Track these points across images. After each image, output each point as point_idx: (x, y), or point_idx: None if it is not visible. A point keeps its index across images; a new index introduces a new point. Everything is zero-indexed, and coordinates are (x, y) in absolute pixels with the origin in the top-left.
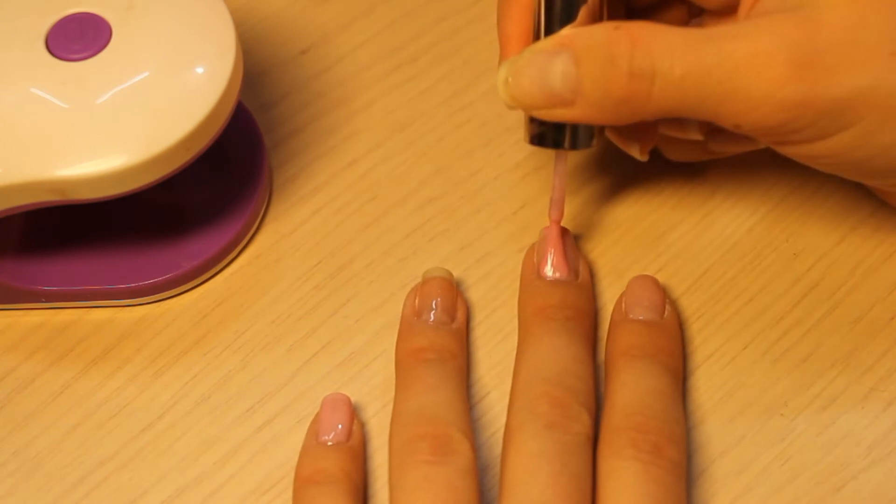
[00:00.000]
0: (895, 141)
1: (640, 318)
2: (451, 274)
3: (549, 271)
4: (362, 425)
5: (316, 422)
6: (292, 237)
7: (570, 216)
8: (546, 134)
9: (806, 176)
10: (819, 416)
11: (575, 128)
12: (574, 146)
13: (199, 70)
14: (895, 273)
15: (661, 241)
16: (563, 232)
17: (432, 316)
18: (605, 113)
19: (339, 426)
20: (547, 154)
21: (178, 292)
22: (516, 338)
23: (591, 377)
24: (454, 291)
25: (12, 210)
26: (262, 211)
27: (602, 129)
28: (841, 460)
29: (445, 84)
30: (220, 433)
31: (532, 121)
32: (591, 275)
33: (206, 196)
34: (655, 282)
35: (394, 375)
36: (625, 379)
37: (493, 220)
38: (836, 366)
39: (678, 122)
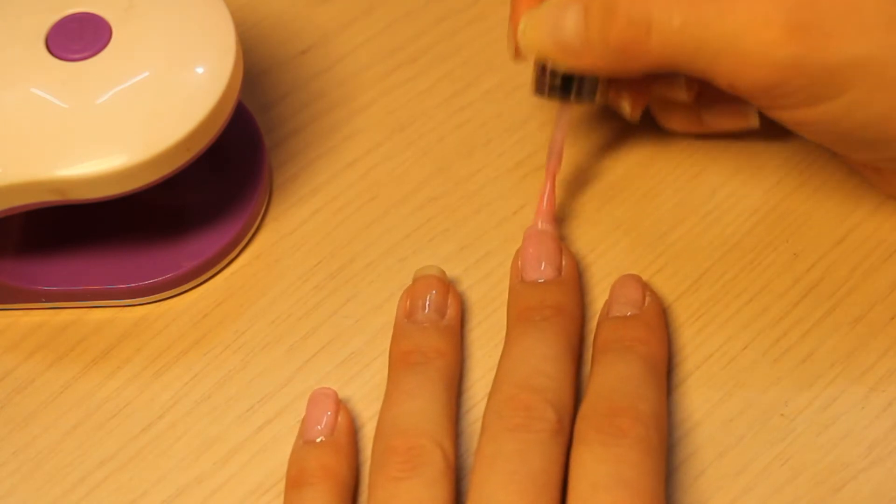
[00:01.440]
0: (883, 112)
1: (619, 314)
2: (441, 271)
3: (529, 274)
4: (349, 417)
5: (302, 421)
6: (292, 237)
7: (570, 216)
8: (553, 85)
9: (806, 176)
10: (819, 416)
11: (581, 81)
12: (579, 98)
13: (199, 70)
14: (895, 273)
15: (661, 241)
16: (545, 232)
17: (422, 316)
18: (606, 61)
19: (324, 419)
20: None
21: (178, 292)
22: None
23: (565, 373)
24: (444, 288)
25: (12, 210)
26: (262, 211)
27: (606, 85)
28: (841, 460)
29: (445, 84)
30: (220, 433)
31: (541, 73)
32: (580, 271)
33: (206, 196)
34: (636, 278)
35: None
36: (597, 370)
37: (493, 220)
38: (836, 366)
39: (668, 79)
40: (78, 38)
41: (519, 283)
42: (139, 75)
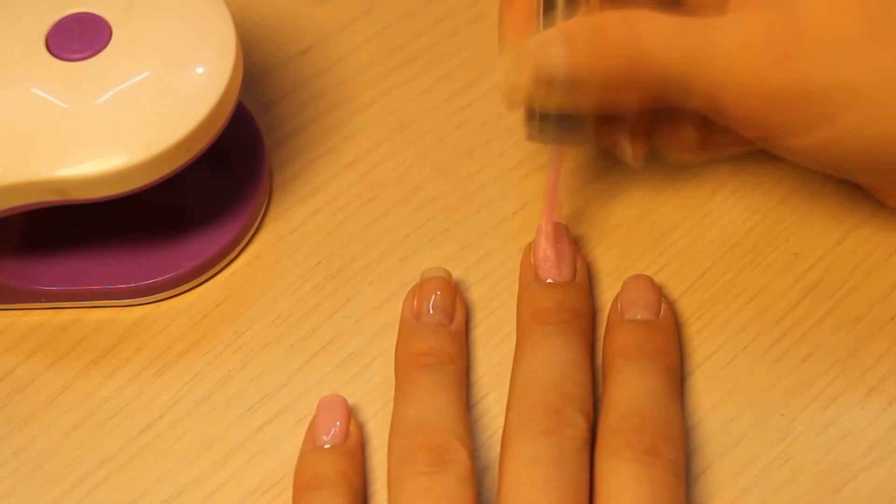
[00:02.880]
0: (879, 134)
1: (637, 317)
2: (449, 274)
3: (546, 273)
4: (360, 426)
5: (312, 425)
6: (292, 237)
7: (570, 217)
8: (544, 128)
9: (806, 176)
10: (819, 416)
11: (571, 122)
12: (574, 137)
13: (199, 70)
14: (895, 273)
15: (661, 241)
16: (560, 230)
17: (431, 317)
18: (598, 93)
19: (336, 426)
20: (548, 154)
21: (178, 292)
22: (514, 339)
23: (589, 380)
24: (453, 292)
25: (12, 210)
26: (262, 211)
27: (601, 123)
28: (841, 460)
29: (445, 84)
30: (220, 433)
31: (531, 116)
32: (591, 274)
33: (206, 196)
34: (651, 281)
35: (394, 375)
36: (621, 379)
37: (493, 220)
38: (836, 366)
39: (673, 122)
40: (78, 38)
41: (533, 282)
42: (139, 75)
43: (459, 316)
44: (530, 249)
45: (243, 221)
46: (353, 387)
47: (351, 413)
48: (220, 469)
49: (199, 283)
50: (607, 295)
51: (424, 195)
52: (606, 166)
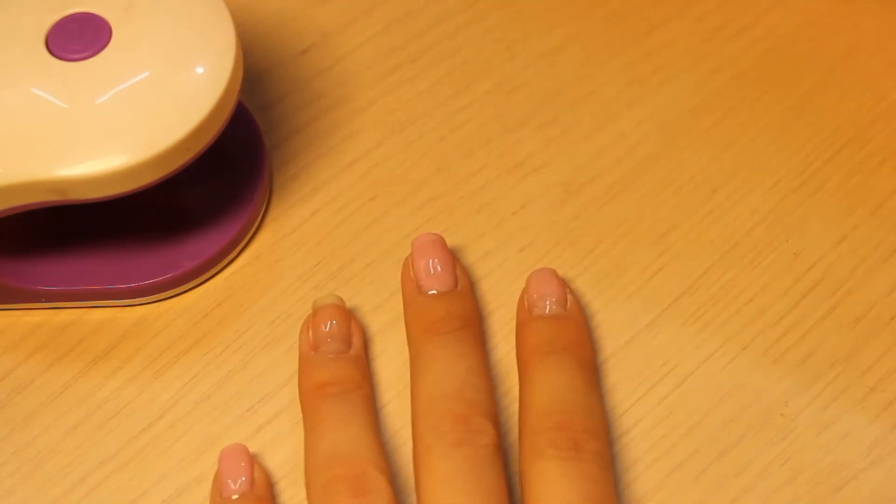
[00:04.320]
0: None
1: (545, 312)
2: (341, 300)
3: (428, 285)
4: (265, 472)
5: (217, 478)
6: (292, 237)
7: (570, 216)
8: None
9: (806, 176)
10: (819, 416)
11: None
12: None
13: (199, 70)
14: (895, 273)
15: (661, 241)
16: (435, 240)
17: (329, 346)
18: None
19: (241, 475)
20: (548, 154)
21: (178, 292)
22: (513, 339)
23: (490, 384)
24: (347, 317)
25: (12, 210)
26: (262, 211)
27: None
28: (841, 460)
29: (445, 84)
30: (220, 433)
31: None
32: (471, 281)
33: (206, 196)
34: (554, 273)
35: (394, 375)
36: (538, 378)
37: (493, 220)
38: (836, 366)
39: None
40: (78, 38)
41: (418, 296)
42: (139, 75)
43: (357, 341)
44: (408, 265)
45: (243, 221)
46: None
47: (253, 459)
48: None
49: (199, 283)
50: (608, 294)
51: (424, 195)
52: (607, 166)
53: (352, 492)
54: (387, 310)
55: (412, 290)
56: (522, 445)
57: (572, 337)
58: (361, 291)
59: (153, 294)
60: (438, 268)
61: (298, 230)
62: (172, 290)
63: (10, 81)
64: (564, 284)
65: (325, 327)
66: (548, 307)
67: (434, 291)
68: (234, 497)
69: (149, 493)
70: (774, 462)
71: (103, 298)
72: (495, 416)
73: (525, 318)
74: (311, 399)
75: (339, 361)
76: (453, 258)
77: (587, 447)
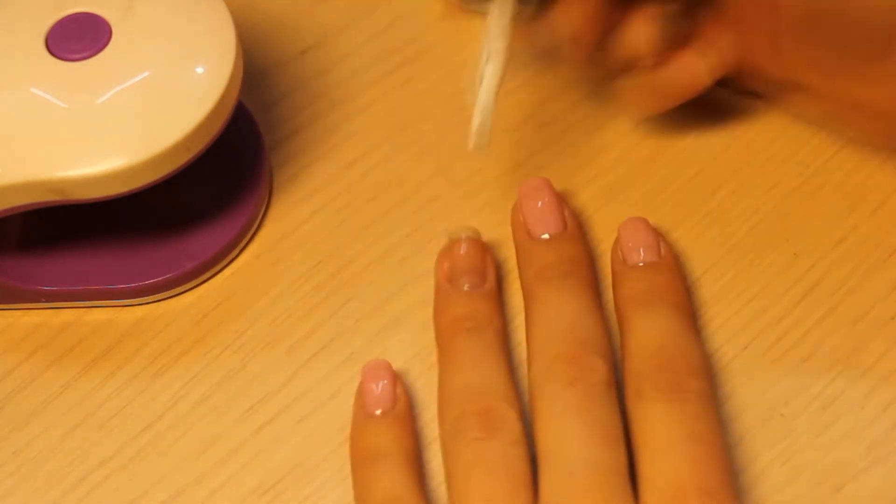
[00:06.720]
0: None
1: (639, 262)
2: (477, 232)
3: (537, 228)
4: (406, 388)
5: (360, 393)
6: (292, 237)
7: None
8: None
9: (806, 175)
10: (819, 416)
11: None
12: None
13: (199, 70)
14: (895, 273)
15: None
16: (541, 184)
17: (465, 279)
18: None
19: (382, 391)
20: (548, 154)
21: (178, 292)
22: (516, 337)
23: (601, 323)
24: (483, 251)
25: (12, 210)
26: (262, 211)
27: None
28: (841, 460)
29: (445, 84)
30: (220, 433)
31: None
32: (579, 223)
33: (206, 196)
34: (646, 223)
35: (395, 373)
36: (635, 326)
37: (493, 219)
38: (836, 366)
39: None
40: (78, 38)
41: (528, 241)
42: (139, 75)
43: (491, 275)
44: (517, 210)
45: (243, 221)
46: (352, 387)
47: (396, 376)
48: (220, 469)
49: (199, 283)
50: (608, 294)
51: (424, 195)
52: (607, 166)
53: (482, 426)
54: (387, 310)
55: (522, 235)
56: (627, 390)
57: (666, 283)
58: (361, 291)
59: (153, 294)
60: (547, 212)
61: (298, 230)
62: (172, 290)
63: (10, 81)
64: (657, 232)
65: (461, 259)
66: (641, 256)
67: (545, 235)
68: (378, 412)
69: (149, 493)
70: (774, 462)
71: (103, 298)
72: (607, 353)
73: (619, 269)
74: (445, 334)
75: (472, 296)
76: (560, 200)
77: (688, 386)
